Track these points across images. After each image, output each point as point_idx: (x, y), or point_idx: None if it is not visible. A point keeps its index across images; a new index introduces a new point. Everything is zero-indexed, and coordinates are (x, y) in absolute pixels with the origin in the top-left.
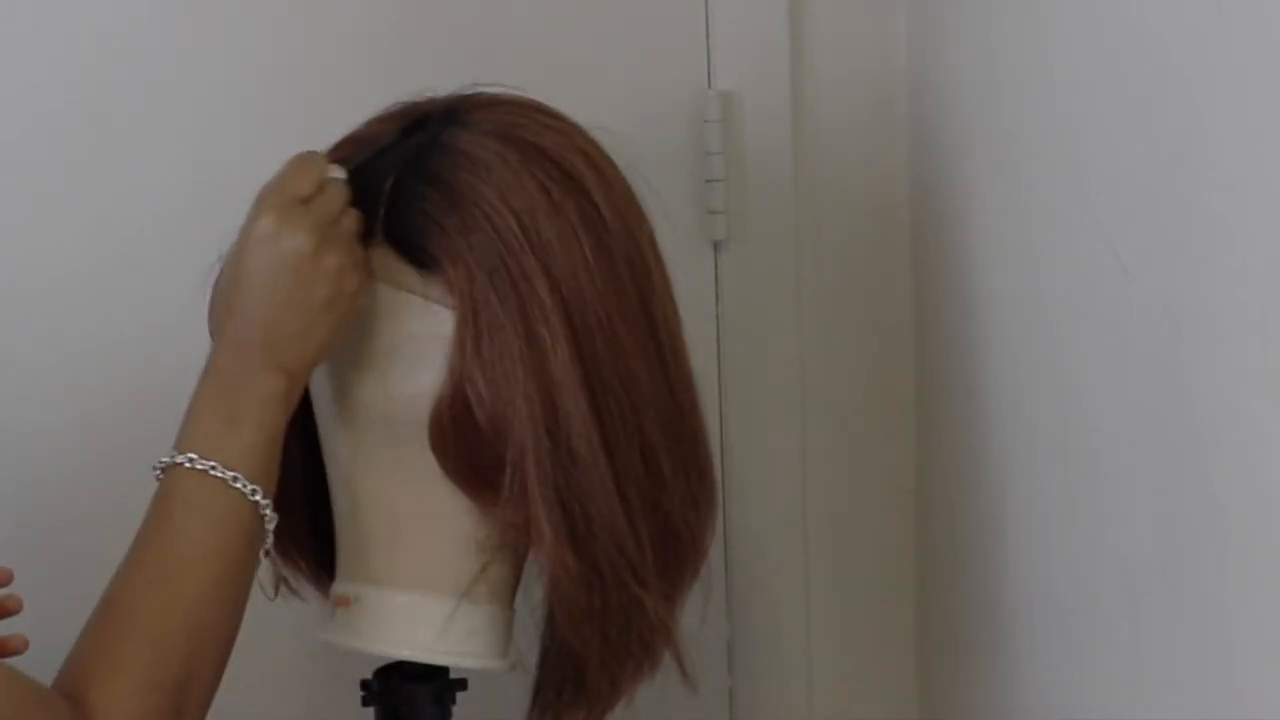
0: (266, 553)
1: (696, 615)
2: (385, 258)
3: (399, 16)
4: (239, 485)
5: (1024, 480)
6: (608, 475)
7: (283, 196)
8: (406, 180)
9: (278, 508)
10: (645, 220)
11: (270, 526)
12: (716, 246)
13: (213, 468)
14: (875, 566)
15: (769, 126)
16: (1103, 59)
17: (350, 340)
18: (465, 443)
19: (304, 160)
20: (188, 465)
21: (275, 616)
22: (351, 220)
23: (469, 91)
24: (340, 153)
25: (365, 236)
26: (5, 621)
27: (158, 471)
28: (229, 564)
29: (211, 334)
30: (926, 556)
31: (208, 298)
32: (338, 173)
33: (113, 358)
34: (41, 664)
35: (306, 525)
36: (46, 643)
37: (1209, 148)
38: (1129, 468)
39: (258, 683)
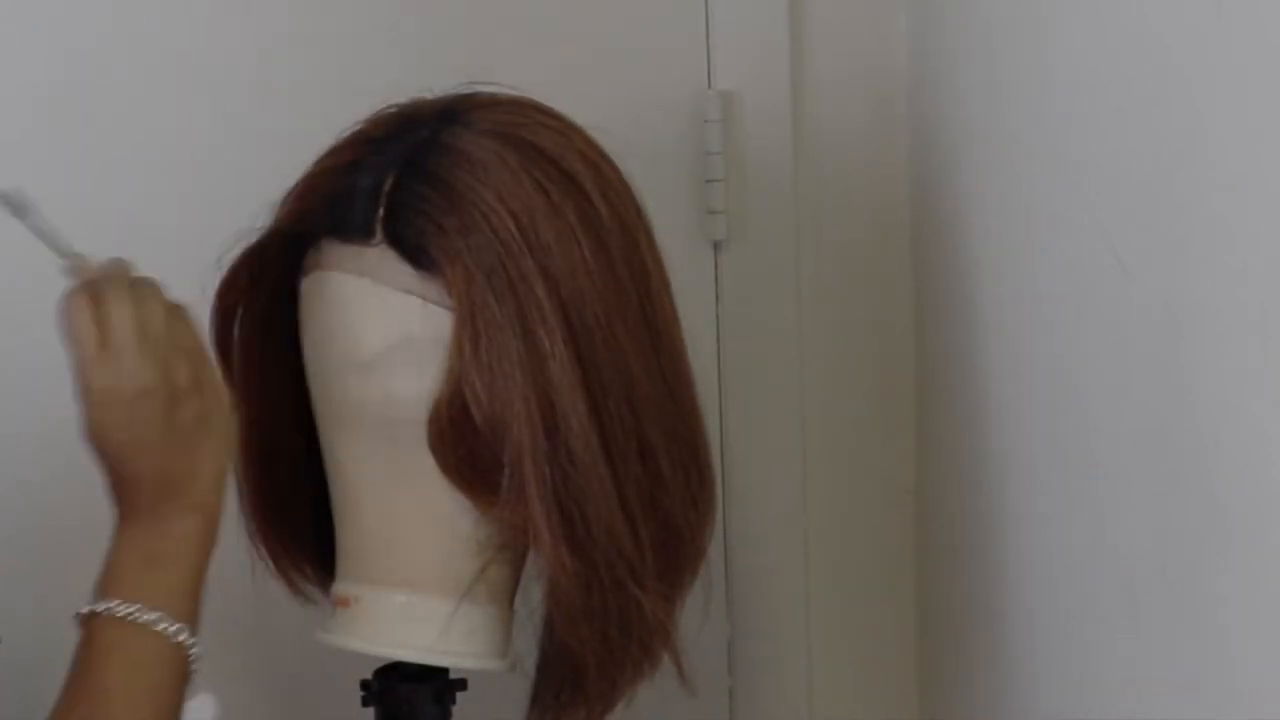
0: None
1: (696, 615)
2: (384, 258)
3: (398, 16)
4: (162, 628)
5: (1024, 480)
6: (606, 476)
7: (85, 351)
8: (405, 180)
9: (280, 510)
10: (644, 220)
11: (196, 664)
12: (716, 246)
13: (133, 613)
14: (875, 566)
15: (769, 126)
16: (1103, 59)
17: (349, 342)
18: (464, 444)
19: (76, 302)
20: (108, 611)
21: (275, 617)
22: (165, 317)
23: (468, 91)
24: (339, 156)
25: (365, 237)
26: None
27: (78, 616)
28: (157, 707)
29: (106, 481)
30: (926, 556)
31: (208, 299)
32: (115, 268)
33: None
34: (38, 666)
35: (307, 526)
36: (45, 645)
37: (1209, 148)
38: (1129, 468)
39: (258, 683)
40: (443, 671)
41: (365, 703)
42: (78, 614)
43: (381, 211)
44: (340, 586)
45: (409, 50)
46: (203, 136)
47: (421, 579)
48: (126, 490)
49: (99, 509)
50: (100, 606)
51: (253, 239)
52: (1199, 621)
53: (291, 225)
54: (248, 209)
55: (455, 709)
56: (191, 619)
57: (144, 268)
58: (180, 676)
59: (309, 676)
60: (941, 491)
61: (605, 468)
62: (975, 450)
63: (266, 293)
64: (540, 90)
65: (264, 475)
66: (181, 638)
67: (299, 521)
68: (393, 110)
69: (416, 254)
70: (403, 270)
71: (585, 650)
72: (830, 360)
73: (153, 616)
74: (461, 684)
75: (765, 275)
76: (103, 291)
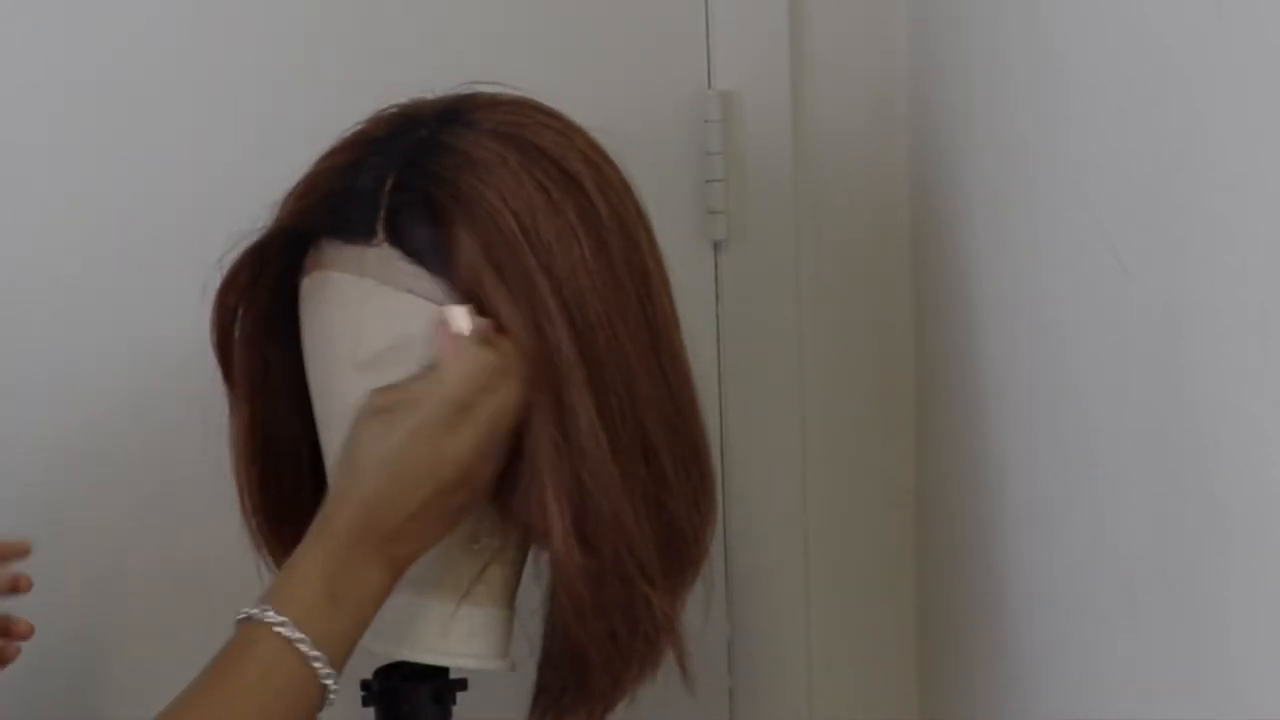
0: None
1: (697, 615)
2: (385, 258)
3: (398, 16)
4: (318, 666)
5: (1024, 480)
6: (614, 475)
7: (453, 397)
8: (407, 180)
9: (282, 510)
10: (645, 221)
11: (326, 708)
12: (716, 246)
13: (300, 642)
14: (875, 566)
15: (769, 126)
16: (1103, 59)
17: (350, 341)
18: None
19: (478, 356)
20: (278, 628)
21: None
22: (508, 415)
23: (468, 91)
24: (339, 156)
25: (366, 237)
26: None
27: (243, 615)
28: None
29: (330, 483)
30: (926, 556)
31: (209, 299)
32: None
33: (112, 361)
34: (37, 670)
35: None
36: (45, 646)
37: (1209, 148)
38: (1129, 468)
39: None
40: (443, 671)
41: (365, 703)
42: (244, 612)
43: (383, 211)
44: None
45: (409, 50)
46: (203, 136)
47: (422, 579)
48: (346, 514)
49: (99, 510)
50: (272, 619)
51: (253, 239)
52: (1199, 621)
53: (292, 225)
54: (248, 209)
55: (455, 709)
56: (341, 666)
57: (145, 268)
58: (313, 716)
59: None
60: (941, 491)
61: (613, 466)
62: (975, 450)
63: (267, 292)
64: (540, 90)
65: (266, 475)
66: (329, 683)
67: (301, 521)
68: (393, 110)
69: (418, 254)
70: (404, 270)
71: (593, 646)
72: (830, 360)
73: (316, 653)
74: (462, 684)
75: (765, 275)
76: (505, 367)
